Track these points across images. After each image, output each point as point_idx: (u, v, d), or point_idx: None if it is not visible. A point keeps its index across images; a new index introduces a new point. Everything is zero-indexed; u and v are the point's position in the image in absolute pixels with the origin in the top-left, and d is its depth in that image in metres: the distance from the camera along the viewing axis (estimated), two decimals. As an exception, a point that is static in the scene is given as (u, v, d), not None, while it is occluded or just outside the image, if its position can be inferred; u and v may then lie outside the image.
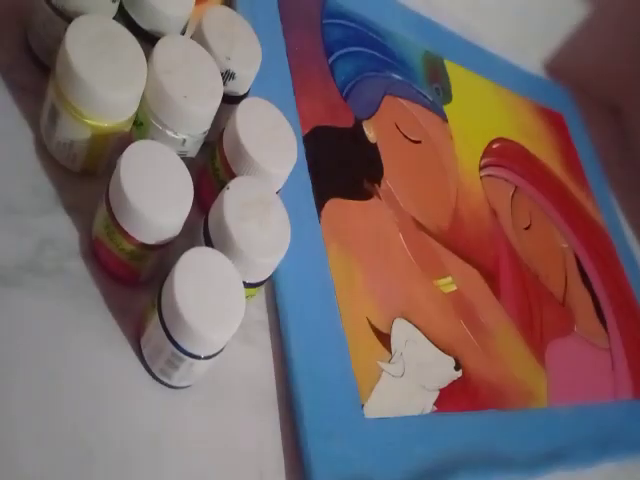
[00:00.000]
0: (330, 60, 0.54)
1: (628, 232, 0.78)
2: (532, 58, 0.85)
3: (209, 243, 0.33)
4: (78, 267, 0.34)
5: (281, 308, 0.39)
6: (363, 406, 0.40)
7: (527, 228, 0.63)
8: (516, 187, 0.65)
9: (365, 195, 0.50)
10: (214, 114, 0.36)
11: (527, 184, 0.67)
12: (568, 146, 0.77)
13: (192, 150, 0.37)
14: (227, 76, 0.38)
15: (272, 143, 0.37)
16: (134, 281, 0.35)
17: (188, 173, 0.33)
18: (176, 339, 0.31)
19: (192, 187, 0.32)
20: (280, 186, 0.38)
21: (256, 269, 0.33)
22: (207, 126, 0.36)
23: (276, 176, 0.37)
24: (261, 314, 0.39)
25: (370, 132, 0.53)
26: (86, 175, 0.36)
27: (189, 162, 0.38)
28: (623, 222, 0.79)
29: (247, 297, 0.35)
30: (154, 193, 0.31)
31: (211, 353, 0.32)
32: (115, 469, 0.31)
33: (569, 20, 0.82)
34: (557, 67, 0.86)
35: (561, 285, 0.62)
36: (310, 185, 0.46)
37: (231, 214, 0.32)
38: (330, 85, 0.53)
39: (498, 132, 0.68)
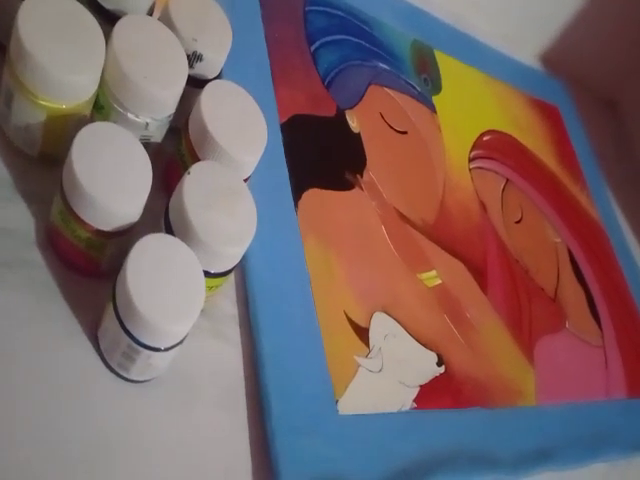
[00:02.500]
0: (312, 48, 0.53)
1: (624, 227, 0.76)
2: (527, 50, 0.83)
3: (170, 231, 0.32)
4: (36, 257, 0.33)
5: (252, 301, 0.38)
6: (337, 402, 0.38)
7: (518, 222, 0.61)
8: (507, 180, 0.63)
9: (346, 186, 0.48)
10: (178, 97, 0.35)
11: (519, 177, 0.65)
12: (563, 139, 0.75)
13: (157, 135, 0.36)
14: (194, 58, 0.36)
15: (240, 128, 0.35)
16: (94, 271, 0.33)
17: (147, 157, 0.31)
18: (130, 330, 0.29)
19: (151, 172, 0.31)
20: (249, 173, 0.36)
21: (218, 258, 0.32)
22: (171, 110, 0.35)
23: (244, 163, 0.35)
24: (232, 307, 0.38)
25: (353, 122, 0.52)
26: (46, 161, 0.35)
27: (156, 148, 0.37)
28: (619, 217, 0.77)
29: (212, 288, 0.34)
30: (109, 177, 0.29)
31: (168, 345, 0.30)
32: (73, 466, 0.29)
33: (565, 11, 0.80)
34: (553, 59, 0.84)
35: (553, 280, 0.60)
36: (287, 174, 0.44)
37: (191, 200, 0.31)
38: (312, 73, 0.51)
39: (489, 124, 0.66)
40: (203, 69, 0.37)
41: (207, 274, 0.32)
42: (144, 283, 0.28)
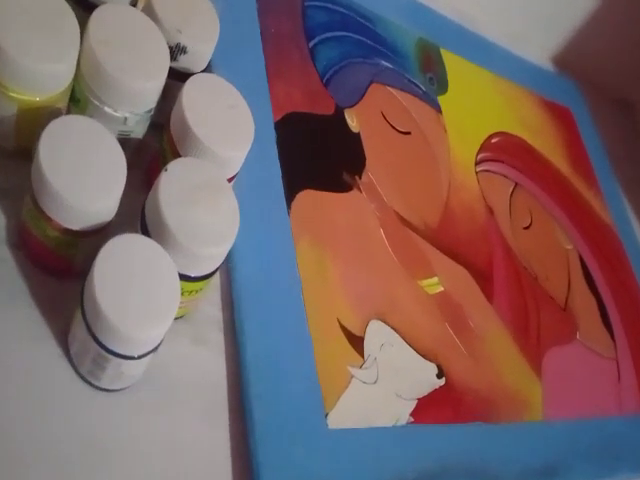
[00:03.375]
0: (311, 44, 0.51)
1: (639, 233, 0.73)
2: (538, 49, 0.80)
3: (146, 231, 0.30)
4: (6, 256, 0.31)
5: (237, 305, 0.36)
6: (327, 415, 0.36)
7: (527, 227, 0.59)
8: (516, 184, 0.61)
9: (343, 187, 0.46)
10: (160, 91, 0.33)
11: (528, 181, 0.62)
12: (575, 141, 0.73)
13: (137, 130, 0.34)
14: (178, 50, 0.34)
15: (225, 123, 0.33)
16: (67, 272, 0.32)
17: (122, 153, 0.29)
18: (98, 337, 0.27)
19: (125, 168, 0.29)
20: (235, 171, 0.34)
21: (197, 261, 0.30)
22: (152, 104, 0.33)
23: (228, 159, 0.33)
24: (217, 313, 0.36)
25: (353, 121, 0.50)
26: (23, 154, 0.33)
27: (137, 144, 0.35)
28: (634, 222, 0.74)
29: (192, 292, 0.32)
30: (78, 173, 0.28)
31: (140, 353, 0.28)
32: (38, 477, 0.27)
33: (577, 9, 0.77)
34: (564, 59, 0.82)
35: (563, 289, 0.58)
36: (280, 174, 0.42)
37: (167, 199, 0.29)
38: (309, 70, 0.49)
39: (498, 126, 0.64)
40: (188, 62, 0.36)
41: (186, 277, 0.30)
42: (112, 287, 0.26)
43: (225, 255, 0.31)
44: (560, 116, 0.73)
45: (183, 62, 0.35)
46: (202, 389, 0.33)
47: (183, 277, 0.30)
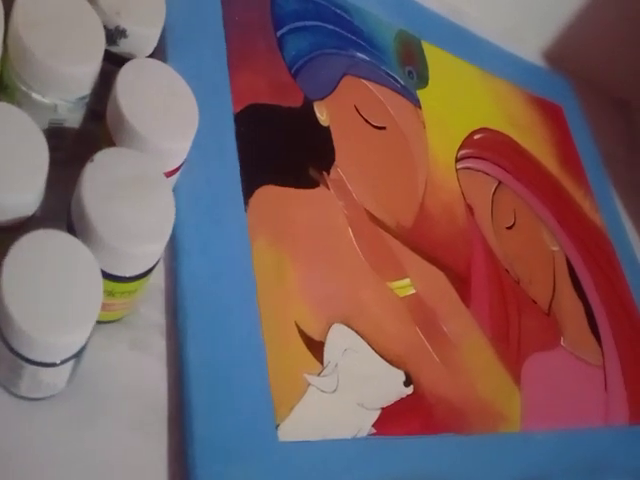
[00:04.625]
0: (279, 33, 0.48)
1: (633, 236, 0.70)
2: (529, 46, 0.77)
3: (71, 228, 0.28)
4: None
5: (181, 308, 0.33)
6: (277, 427, 0.33)
7: (510, 227, 0.56)
8: (499, 182, 0.58)
9: (309, 183, 0.44)
10: (94, 76, 0.30)
11: (513, 179, 0.60)
12: (566, 140, 0.70)
13: (71, 119, 0.31)
14: (117, 34, 0.32)
15: (165, 112, 0.31)
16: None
17: (44, 142, 0.27)
18: (10, 342, 0.25)
19: (47, 159, 0.27)
20: (176, 164, 0.32)
21: (126, 260, 0.27)
22: (85, 90, 0.31)
23: (168, 150, 0.31)
24: (159, 316, 0.33)
25: (322, 114, 0.47)
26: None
27: (73, 134, 0.33)
28: (627, 225, 0.71)
29: (124, 294, 0.29)
30: (-10, 163, 0.25)
31: (57, 360, 0.26)
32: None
33: (572, 3, 0.75)
34: (558, 56, 0.79)
35: (547, 292, 0.55)
36: (238, 169, 0.40)
37: (92, 192, 0.27)
38: (276, 60, 0.47)
39: (482, 122, 0.61)
40: (130, 46, 0.33)
41: (115, 278, 0.28)
42: (23, 289, 0.24)
43: (159, 254, 0.29)
44: (550, 114, 0.70)
45: (124, 47, 0.33)
46: (139, 399, 0.31)
47: (112, 277, 0.28)
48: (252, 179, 0.40)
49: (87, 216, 0.26)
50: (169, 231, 0.28)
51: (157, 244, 0.28)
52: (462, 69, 0.63)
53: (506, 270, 0.53)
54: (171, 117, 0.31)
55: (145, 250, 0.28)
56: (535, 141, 0.65)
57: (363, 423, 0.37)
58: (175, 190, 0.36)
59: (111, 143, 0.30)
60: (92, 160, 0.27)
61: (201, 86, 0.41)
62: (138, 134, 0.29)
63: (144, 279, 0.29)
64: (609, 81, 0.81)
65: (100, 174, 0.27)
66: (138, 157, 0.29)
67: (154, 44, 0.35)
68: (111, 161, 0.28)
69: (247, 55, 0.45)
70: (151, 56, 0.35)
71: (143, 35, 0.33)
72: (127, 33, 0.32)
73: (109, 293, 0.29)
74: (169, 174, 0.32)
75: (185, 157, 0.32)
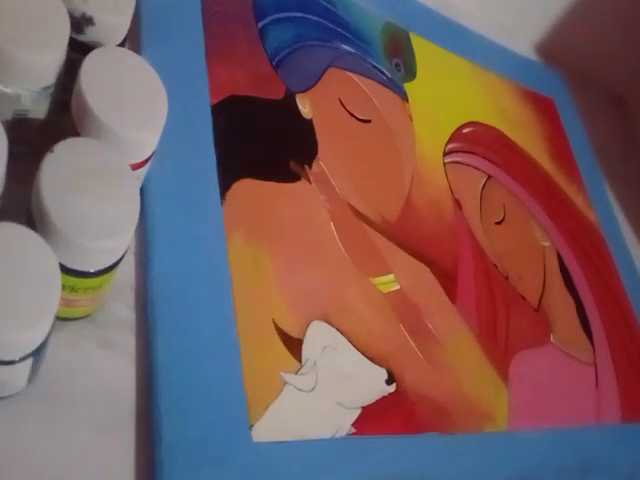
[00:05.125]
0: (260, 24, 0.47)
1: (627, 232, 0.69)
2: (523, 40, 0.76)
3: (31, 221, 0.27)
4: None
5: (150, 305, 0.32)
6: (251, 427, 0.32)
7: (499, 222, 0.55)
8: (489, 177, 0.57)
9: (290, 177, 0.43)
10: (58, 65, 0.29)
11: (503, 173, 0.59)
12: (559, 135, 0.69)
13: (36, 110, 0.30)
14: (83, 22, 0.31)
15: (132, 102, 0.30)
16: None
17: (3, 133, 0.26)
18: (-38, 339, 0.24)
19: (5, 150, 0.26)
20: (144, 155, 0.31)
21: (87, 255, 0.26)
22: (50, 80, 0.30)
23: (132, 142, 0.30)
24: (128, 313, 0.32)
25: (305, 107, 0.46)
26: None
27: (39, 125, 0.31)
28: (622, 221, 0.70)
29: (89, 289, 0.28)
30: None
31: (12, 358, 0.25)
32: None
33: (564, -3, 0.74)
34: (551, 50, 0.78)
35: (537, 288, 0.54)
36: (215, 162, 0.39)
37: (51, 184, 0.26)
38: (257, 51, 0.46)
39: (472, 116, 0.60)
40: (98, 35, 0.32)
41: (77, 273, 0.27)
42: (-24, 282, 0.23)
43: (123, 249, 0.28)
44: (542, 108, 0.69)
45: (92, 35, 0.32)
46: (106, 400, 0.30)
47: (74, 272, 0.27)
48: (229, 172, 0.39)
49: (45, 209, 0.25)
50: (133, 225, 0.27)
51: (119, 239, 0.27)
52: (452, 62, 0.62)
53: (494, 265, 0.51)
54: (138, 107, 0.30)
55: (106, 245, 0.27)
56: (527, 135, 0.64)
57: (342, 422, 0.36)
58: (146, 183, 0.35)
59: (77, 134, 0.29)
60: (52, 151, 0.26)
61: (177, 77, 0.40)
62: (102, 124, 0.28)
63: (108, 274, 0.28)
64: (603, 75, 0.80)
65: (60, 165, 0.26)
66: (101, 148, 0.28)
67: (124, 33, 0.33)
68: (72, 152, 0.27)
69: (227, 46, 0.44)
70: (122, 45, 0.34)
71: (111, 23, 0.32)
72: (94, 21, 0.31)
73: (72, 289, 0.28)
74: (137, 166, 0.31)
75: (154, 149, 0.31)
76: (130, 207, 0.27)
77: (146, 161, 0.31)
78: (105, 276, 0.28)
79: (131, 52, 0.31)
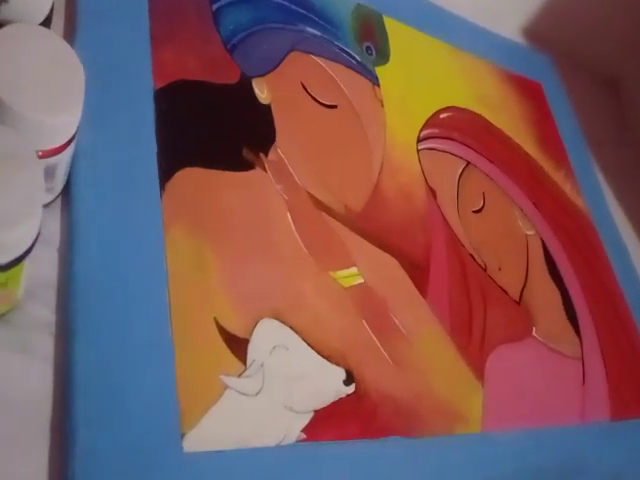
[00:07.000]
0: (215, 6, 0.45)
1: (620, 219, 0.66)
2: (508, 23, 0.73)
3: None
4: None
5: (71, 305, 0.30)
6: (183, 436, 0.30)
7: (478, 211, 0.52)
8: (468, 163, 0.54)
9: (242, 165, 0.40)
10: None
11: (483, 160, 0.56)
12: (546, 119, 0.66)
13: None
14: (-7, -2, 0.29)
15: (45, 84, 0.27)
16: None
17: None
18: None
19: None
20: (59, 141, 0.28)
21: (-19, 247, 0.24)
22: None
23: (43, 126, 0.27)
24: (47, 314, 0.30)
25: (263, 91, 0.44)
26: None
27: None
28: (615, 208, 0.67)
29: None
30: None
31: None
32: None
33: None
34: (539, 33, 0.74)
35: (519, 279, 0.51)
36: (155, 149, 0.36)
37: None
38: (210, 34, 0.43)
39: (450, 100, 0.57)
40: (13, 13, 0.30)
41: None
42: None
43: (28, 242, 0.25)
44: (529, 92, 0.66)
45: (6, 13, 0.29)
46: (18, 408, 0.27)
47: (-32, 269, 0.24)
48: (172, 161, 0.37)
49: None
50: (34, 217, 0.25)
51: (19, 232, 0.24)
52: (430, 46, 0.59)
53: (471, 256, 0.49)
54: (52, 89, 0.28)
55: (6, 237, 0.24)
56: (510, 120, 0.61)
57: (290, 428, 0.33)
58: (74, 171, 0.32)
59: (-20, 119, 0.27)
60: (-59, 136, 0.24)
61: (116, 60, 0.37)
62: (8, 107, 0.26)
63: (14, 270, 0.26)
64: (593, 55, 0.76)
65: (-50, 152, 0.24)
66: (4, 133, 0.25)
67: (45, 12, 0.31)
68: (-33, 137, 0.24)
69: (174, 29, 0.41)
70: (46, 25, 0.32)
71: (28, 1, 0.30)
72: (5, -3, 0.29)
73: (-29, 287, 0.25)
74: (53, 152, 0.29)
75: (72, 133, 0.29)
76: (32, 197, 0.25)
77: (64, 147, 0.29)
78: (10, 271, 0.26)
79: (47, 30, 0.29)
